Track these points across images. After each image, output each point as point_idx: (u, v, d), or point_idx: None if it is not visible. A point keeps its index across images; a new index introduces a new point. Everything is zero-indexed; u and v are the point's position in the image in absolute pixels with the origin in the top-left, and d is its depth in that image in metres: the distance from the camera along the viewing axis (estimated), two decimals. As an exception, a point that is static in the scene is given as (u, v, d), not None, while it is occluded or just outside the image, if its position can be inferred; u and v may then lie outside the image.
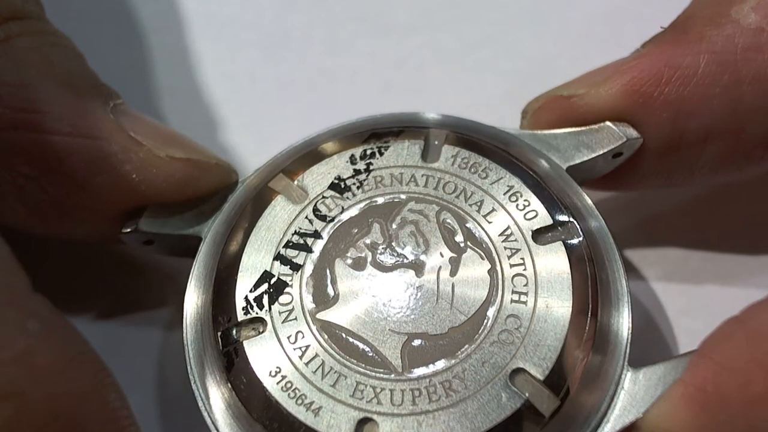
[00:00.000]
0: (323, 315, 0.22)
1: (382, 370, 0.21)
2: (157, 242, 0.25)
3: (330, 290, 0.22)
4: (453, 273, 0.22)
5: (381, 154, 0.24)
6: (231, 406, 0.21)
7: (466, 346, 0.21)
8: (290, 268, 0.23)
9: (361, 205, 0.24)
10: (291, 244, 0.23)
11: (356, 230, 0.23)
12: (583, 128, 0.25)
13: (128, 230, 0.24)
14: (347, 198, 0.24)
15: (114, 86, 0.25)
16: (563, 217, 0.23)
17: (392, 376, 0.21)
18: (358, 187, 0.24)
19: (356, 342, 0.22)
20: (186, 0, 0.34)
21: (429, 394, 0.21)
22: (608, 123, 0.24)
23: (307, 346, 0.22)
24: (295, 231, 0.23)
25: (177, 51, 0.33)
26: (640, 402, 0.21)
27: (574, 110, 0.25)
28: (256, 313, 0.22)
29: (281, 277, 0.23)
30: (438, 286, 0.22)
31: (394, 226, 0.23)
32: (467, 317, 0.22)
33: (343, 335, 0.22)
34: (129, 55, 0.33)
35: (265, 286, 0.22)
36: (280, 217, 0.23)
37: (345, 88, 0.32)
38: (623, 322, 0.22)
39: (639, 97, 0.24)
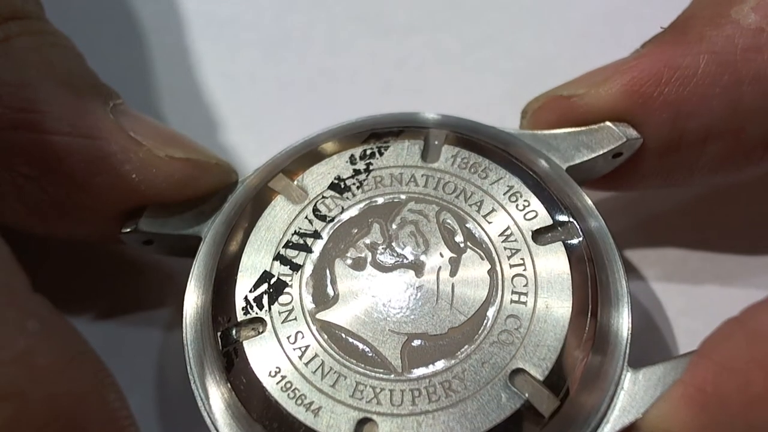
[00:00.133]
0: (323, 315, 0.22)
1: (381, 371, 0.21)
2: (157, 242, 0.25)
3: (330, 290, 0.22)
4: (453, 273, 0.22)
5: (381, 154, 0.24)
6: (231, 407, 0.21)
7: (466, 347, 0.21)
8: (290, 268, 0.23)
9: (361, 205, 0.24)
10: (291, 244, 0.23)
11: (356, 230, 0.23)
12: (582, 128, 0.25)
13: (128, 230, 0.24)
14: (347, 198, 0.24)
15: (114, 86, 0.25)
16: (563, 218, 0.23)
17: (392, 376, 0.21)
18: (357, 187, 0.24)
19: (356, 342, 0.22)
20: (186, 0, 0.34)
21: (429, 395, 0.21)
22: (608, 123, 0.24)
23: (307, 347, 0.22)
24: (295, 231, 0.23)
25: (177, 51, 0.33)
26: (640, 402, 0.21)
27: (573, 110, 0.25)
28: (256, 314, 0.22)
29: (281, 277, 0.23)
30: (438, 287, 0.22)
31: (394, 226, 0.23)
32: (467, 317, 0.22)
33: (343, 335, 0.22)
34: (129, 55, 0.33)
35: (264, 286, 0.22)
36: (279, 217, 0.23)
37: (345, 88, 0.32)
38: (623, 323, 0.22)
39: (639, 98, 0.24)
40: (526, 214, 0.23)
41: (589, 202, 0.24)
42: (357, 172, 0.24)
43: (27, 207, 0.24)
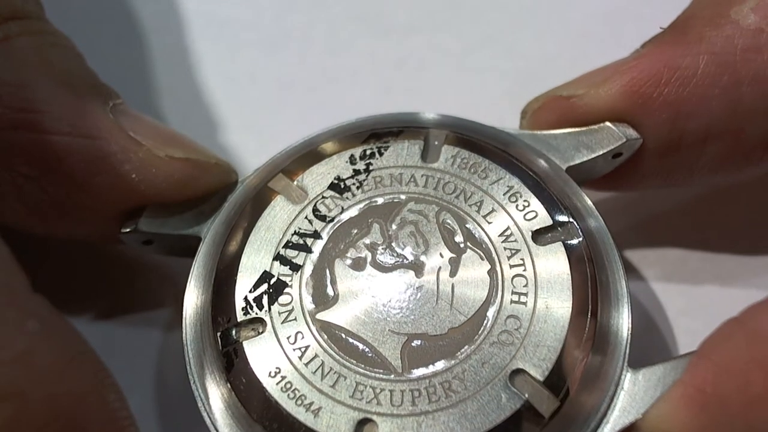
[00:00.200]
0: (323, 315, 0.22)
1: (381, 371, 0.21)
2: (157, 242, 0.25)
3: (330, 290, 0.22)
4: (453, 273, 0.22)
5: (381, 154, 0.24)
6: (230, 407, 0.21)
7: (466, 347, 0.21)
8: (290, 269, 0.23)
9: (361, 205, 0.24)
10: (291, 244, 0.23)
11: (356, 230, 0.23)
12: (582, 129, 0.25)
13: (128, 230, 0.24)
14: (347, 198, 0.24)
15: (114, 86, 0.25)
16: (563, 218, 0.23)
17: (392, 376, 0.21)
18: (357, 188, 0.24)
19: (356, 342, 0.22)
20: (186, 0, 0.34)
21: (428, 395, 0.21)
22: (608, 123, 0.24)
23: (307, 347, 0.22)
24: (295, 231, 0.23)
25: (177, 51, 0.33)
26: (640, 403, 0.21)
27: (573, 110, 0.25)
28: (256, 314, 0.22)
29: (281, 278, 0.23)
30: (438, 287, 0.22)
31: (393, 226, 0.23)
32: (467, 318, 0.22)
33: (343, 336, 0.22)
34: (129, 55, 0.33)
35: (264, 287, 0.22)
36: (279, 218, 0.23)
37: (345, 88, 0.32)
38: (623, 323, 0.22)
39: (638, 98, 0.24)
40: (526, 214, 0.23)
41: (589, 202, 0.24)
42: (357, 172, 0.24)
43: (27, 207, 0.24)
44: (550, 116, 0.25)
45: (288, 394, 0.21)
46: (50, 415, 0.17)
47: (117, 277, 0.28)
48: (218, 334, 0.22)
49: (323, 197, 0.24)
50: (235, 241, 0.23)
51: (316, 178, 0.24)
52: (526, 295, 0.22)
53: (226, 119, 0.31)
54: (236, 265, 0.23)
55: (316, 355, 0.21)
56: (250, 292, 0.22)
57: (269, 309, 0.22)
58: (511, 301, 0.22)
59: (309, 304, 0.22)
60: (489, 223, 0.23)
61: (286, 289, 0.22)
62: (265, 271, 0.23)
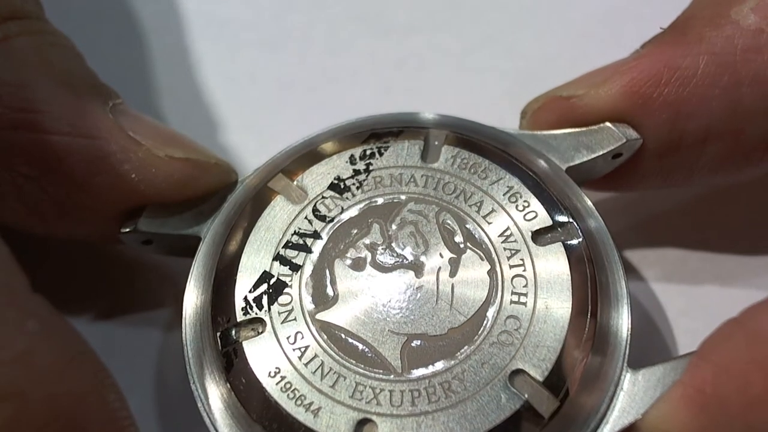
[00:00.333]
0: (323, 315, 0.22)
1: (381, 371, 0.21)
2: (156, 242, 0.25)
3: (329, 291, 0.22)
4: (452, 274, 0.22)
5: (380, 154, 0.24)
6: (230, 407, 0.21)
7: (466, 347, 0.21)
8: (290, 269, 0.23)
9: (361, 205, 0.24)
10: (290, 244, 0.23)
11: (356, 231, 0.23)
12: (582, 129, 0.25)
13: (127, 230, 0.24)
14: (347, 198, 0.24)
15: (114, 86, 0.25)
16: (563, 218, 0.23)
17: (391, 376, 0.21)
18: (357, 188, 0.24)
19: (355, 342, 0.22)
20: (186, 0, 0.34)
21: (428, 395, 0.21)
22: (608, 124, 0.24)
23: (307, 347, 0.22)
24: (295, 231, 0.23)
25: (177, 51, 0.33)
26: (640, 403, 0.21)
27: (573, 111, 0.25)
28: (256, 314, 0.22)
29: (281, 278, 0.23)
30: (437, 287, 0.22)
31: (393, 226, 0.23)
32: (467, 318, 0.22)
33: (343, 336, 0.22)
34: (129, 55, 0.33)
35: (264, 287, 0.22)
36: (279, 218, 0.23)
37: (345, 88, 0.32)
38: (623, 323, 0.22)
39: (638, 98, 0.24)
40: (525, 214, 0.23)
41: (589, 202, 0.24)
42: (357, 172, 0.24)
43: (27, 207, 0.24)
44: (550, 116, 0.25)
45: (288, 394, 0.21)
46: (50, 415, 0.17)
47: (117, 277, 0.28)
48: (218, 334, 0.22)
49: (323, 197, 0.24)
50: (234, 241, 0.23)
51: (316, 178, 0.24)
52: (525, 295, 0.22)
53: (226, 119, 0.31)
54: (236, 265, 0.23)
55: (315, 355, 0.21)
56: (250, 292, 0.22)
57: (269, 309, 0.22)
58: (511, 302, 0.22)
59: (309, 304, 0.22)
60: (489, 223, 0.23)
61: (286, 289, 0.22)
62: (265, 271, 0.23)
